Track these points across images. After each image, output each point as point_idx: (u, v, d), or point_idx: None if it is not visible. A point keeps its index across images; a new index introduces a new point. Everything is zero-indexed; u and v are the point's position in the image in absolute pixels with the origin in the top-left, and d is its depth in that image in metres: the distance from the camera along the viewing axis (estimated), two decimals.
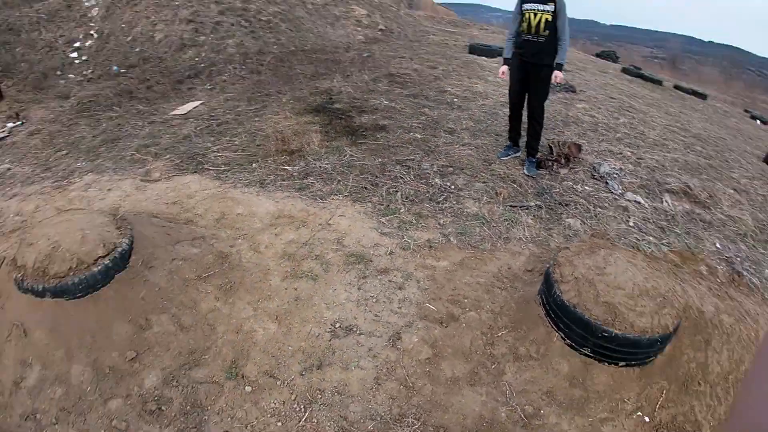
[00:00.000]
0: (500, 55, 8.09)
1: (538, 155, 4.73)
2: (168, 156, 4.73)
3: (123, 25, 7.96)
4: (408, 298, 2.77)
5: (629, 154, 5.43)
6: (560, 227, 3.78)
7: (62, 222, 2.68)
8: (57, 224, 2.66)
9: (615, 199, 4.44)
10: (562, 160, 4.86)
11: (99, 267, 2.44)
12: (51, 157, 4.95)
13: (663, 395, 2.35)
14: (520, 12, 4.21)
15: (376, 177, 4.20)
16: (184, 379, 2.27)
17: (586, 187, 4.53)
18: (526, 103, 4.50)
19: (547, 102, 4.52)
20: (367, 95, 6.36)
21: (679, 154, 5.81)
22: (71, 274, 2.37)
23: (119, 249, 2.57)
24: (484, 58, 9.51)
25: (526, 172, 4.60)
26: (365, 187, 4.01)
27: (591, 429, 2.16)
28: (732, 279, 3.53)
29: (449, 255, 3.17)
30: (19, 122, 5.79)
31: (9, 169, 4.76)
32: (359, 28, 10.24)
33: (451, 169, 4.47)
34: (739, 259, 3.82)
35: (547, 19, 4.09)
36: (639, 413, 2.28)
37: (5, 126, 5.66)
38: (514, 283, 2.92)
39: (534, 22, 4.13)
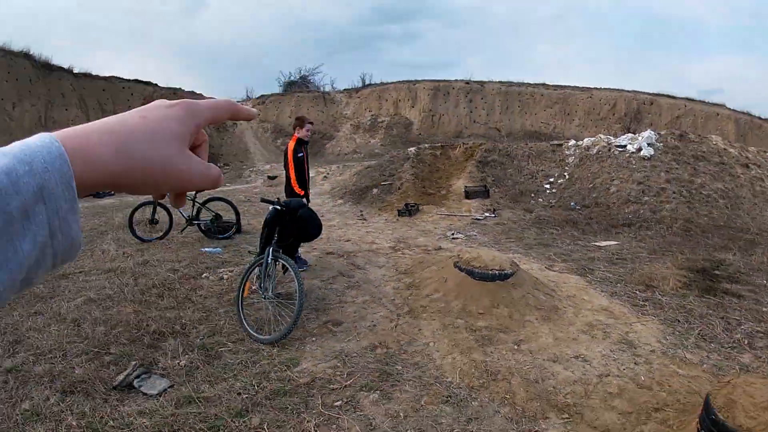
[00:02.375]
0: None
1: None
2: (569, 263, 7.30)
3: (589, 175, 11.17)
4: (635, 370, 4.32)
5: None
6: None
7: (492, 254, 5.62)
8: (488, 254, 5.61)
9: None
10: None
11: (492, 273, 5.21)
12: (501, 239, 8.38)
13: None
14: None
15: (692, 318, 5.51)
16: (497, 333, 4.71)
17: None
18: None
19: None
20: (753, 273, 7.20)
21: None
22: (479, 268, 5.23)
23: (507, 271, 5.29)
24: None
25: None
26: (677, 320, 5.43)
27: None
28: None
29: (689, 368, 4.42)
30: (493, 215, 9.64)
31: (476, 236, 8.38)
32: None
33: (761, 334, 5.11)
34: None
35: None
36: None
37: (485, 213, 9.58)
38: None
39: None
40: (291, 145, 6.55)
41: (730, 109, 27.94)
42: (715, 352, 4.77)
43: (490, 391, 3.95)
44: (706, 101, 28.97)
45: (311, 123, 6.85)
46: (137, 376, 3.64)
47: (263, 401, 3.52)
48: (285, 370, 4.02)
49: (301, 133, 6.60)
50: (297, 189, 6.52)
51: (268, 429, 3.19)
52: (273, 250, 4.84)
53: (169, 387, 3.61)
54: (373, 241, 8.94)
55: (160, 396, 3.49)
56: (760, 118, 28.09)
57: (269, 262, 4.82)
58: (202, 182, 0.53)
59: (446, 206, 11.51)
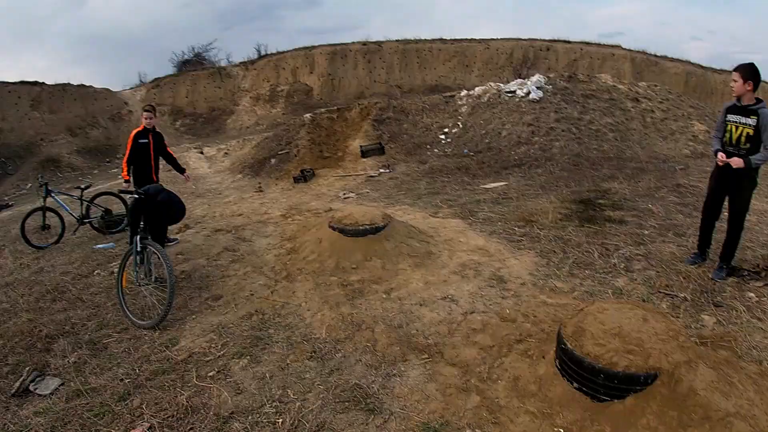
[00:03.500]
0: None
1: (736, 264, 5.00)
2: (454, 208, 7.41)
3: (481, 122, 11.42)
4: (501, 304, 4.44)
5: None
6: (688, 318, 4.28)
7: (363, 210, 5.57)
8: (359, 210, 5.55)
9: None
10: (763, 273, 4.92)
11: (363, 228, 5.17)
12: (393, 193, 8.40)
13: None
14: (724, 121, 4.61)
15: (569, 247, 5.73)
16: (369, 284, 4.70)
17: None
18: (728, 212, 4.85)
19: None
20: (638, 198, 7.62)
21: None
22: (350, 225, 5.18)
23: (379, 224, 5.26)
24: None
25: (712, 276, 4.91)
26: (553, 251, 5.64)
27: (519, 411, 3.08)
28: None
29: (559, 297, 4.61)
30: (387, 170, 9.64)
31: (368, 192, 8.34)
32: (691, 143, 11.05)
33: (639, 257, 5.43)
34: None
35: (748, 133, 4.40)
36: (562, 431, 2.86)
37: (379, 170, 9.57)
38: None
39: (735, 135, 4.49)
40: (134, 131, 6.62)
41: (625, 49, 29.27)
42: (589, 279, 4.98)
43: (354, 341, 3.96)
44: (602, 43, 30.28)
45: (148, 110, 6.71)
46: (32, 380, 3.78)
47: (144, 383, 3.60)
48: (164, 351, 4.06)
49: (144, 122, 6.62)
50: (124, 173, 6.55)
51: (146, 408, 3.29)
52: (141, 238, 4.84)
53: (60, 385, 3.74)
54: (266, 211, 8.73)
55: (52, 395, 3.60)
56: (655, 55, 29.67)
57: (139, 250, 4.84)
58: None
59: (342, 168, 11.45)
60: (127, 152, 6.48)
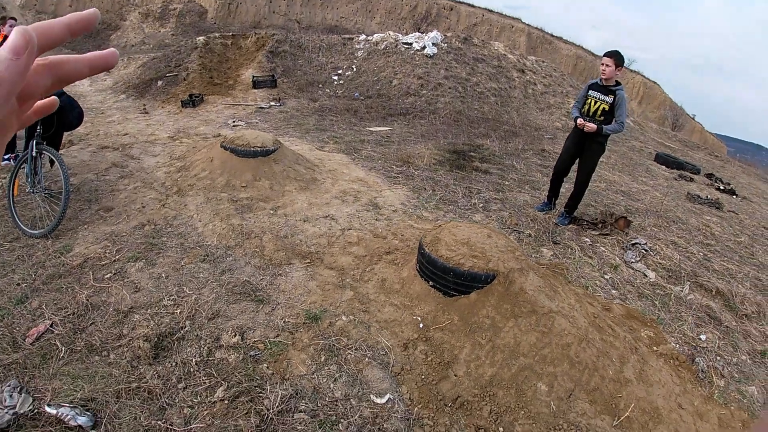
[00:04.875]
0: (683, 168, 9.64)
1: (578, 216, 6.03)
2: (340, 144, 7.97)
3: (375, 68, 11.96)
4: (375, 225, 5.17)
5: (692, 249, 6.11)
6: (530, 249, 5.31)
7: (255, 133, 5.93)
8: (251, 133, 5.92)
9: (617, 261, 5.25)
10: (599, 225, 5.98)
11: (254, 150, 5.57)
12: (281, 126, 8.81)
13: (447, 323, 3.44)
14: (585, 96, 5.33)
15: (438, 186, 6.58)
16: (257, 202, 5.19)
17: (600, 247, 5.57)
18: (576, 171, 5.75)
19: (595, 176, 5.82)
20: (506, 156, 8.69)
21: None
22: (242, 146, 5.55)
23: (269, 147, 5.69)
24: (664, 167, 10.86)
25: (556, 221, 5.91)
26: (424, 188, 6.46)
27: (385, 303, 3.87)
28: (676, 356, 3.83)
29: (424, 223, 5.43)
30: (278, 104, 9.96)
31: (257, 123, 8.69)
32: (564, 118, 12.46)
33: (496, 201, 6.42)
34: (720, 361, 3.96)
35: (604, 108, 5.17)
36: (419, 318, 3.55)
37: (270, 103, 9.85)
38: None
39: (593, 108, 5.25)
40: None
41: (524, 23, 30.99)
42: (451, 212, 5.82)
43: (244, 248, 4.45)
44: (504, 14, 31.70)
45: (13, 19, 6.34)
46: None
47: (41, 287, 3.73)
48: (59, 257, 4.18)
49: (5, 30, 6.28)
50: None
51: (46, 308, 3.44)
52: (36, 143, 4.74)
53: None
54: (153, 132, 8.69)
55: None
56: (551, 35, 31.71)
57: (33, 155, 4.75)
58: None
59: (232, 96, 11.46)
60: None
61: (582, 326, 3.47)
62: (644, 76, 36.45)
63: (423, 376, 3.18)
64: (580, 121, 5.40)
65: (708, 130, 38.16)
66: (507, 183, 7.23)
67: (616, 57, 5.19)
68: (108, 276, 3.90)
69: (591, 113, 5.33)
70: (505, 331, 3.36)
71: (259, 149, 5.72)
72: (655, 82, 36.80)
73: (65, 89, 5.45)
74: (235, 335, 3.31)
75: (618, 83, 5.28)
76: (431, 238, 3.91)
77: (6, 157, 5.88)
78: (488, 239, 3.90)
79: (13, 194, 4.75)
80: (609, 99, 5.18)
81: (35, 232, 4.52)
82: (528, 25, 31.10)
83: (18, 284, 3.77)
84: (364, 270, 4.25)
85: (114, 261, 4.13)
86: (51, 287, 3.74)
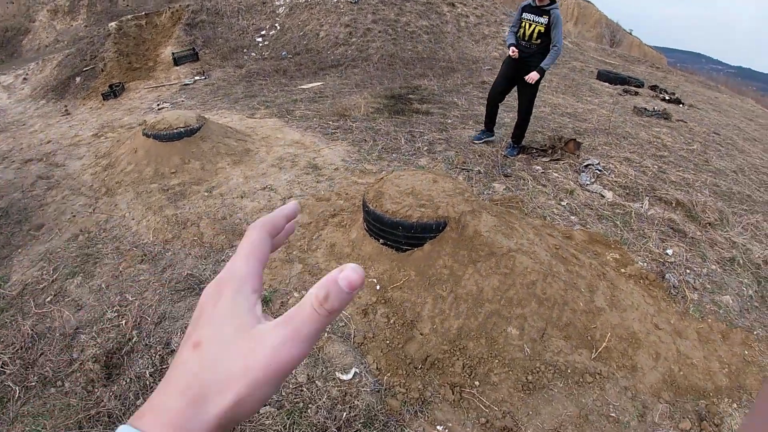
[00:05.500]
0: (627, 83, 9.56)
1: (526, 144, 5.93)
2: (272, 108, 7.59)
3: (299, 23, 11.41)
4: (317, 188, 4.93)
5: (646, 163, 6.08)
6: (481, 187, 5.13)
7: (177, 113, 5.56)
8: (172, 114, 5.54)
9: (571, 185, 5.17)
10: (549, 151, 5.89)
11: (178, 131, 5.22)
12: (209, 99, 8.33)
13: (404, 281, 3.25)
14: (519, 19, 5.17)
15: (379, 136, 6.32)
16: (190, 186, 4.90)
17: (553, 173, 5.46)
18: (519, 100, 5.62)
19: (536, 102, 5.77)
20: (446, 93, 8.43)
21: (730, 181, 6.13)
22: (164, 130, 5.20)
23: (193, 126, 5.34)
24: (607, 84, 10.79)
25: (505, 153, 5.78)
26: (365, 140, 6.19)
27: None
28: (645, 276, 3.77)
29: (369, 177, 5.22)
30: (203, 77, 9.43)
31: (183, 101, 8.20)
32: (500, 47, 12.18)
33: (441, 141, 6.23)
34: (690, 274, 3.95)
35: (540, 30, 5.04)
36: (375, 280, 3.32)
37: (194, 78, 9.32)
38: None
39: (528, 31, 5.10)
40: None
41: None
42: (396, 161, 5.58)
43: (182, 239, 4.18)
44: None
45: None
46: None
47: None
48: None
49: None
50: None
51: None
52: None
53: None
54: (76, 134, 8.14)
55: None
56: None
57: None
58: (291, 347, 0.40)
59: (154, 78, 10.79)
60: None
61: (545, 261, 3.36)
62: None
63: (387, 342, 3.05)
64: (512, 51, 5.25)
65: (646, 43, 38.38)
66: (450, 121, 7.04)
67: None
68: (48, 299, 3.66)
69: (527, 36, 5.17)
70: (466, 278, 3.23)
71: (183, 129, 5.34)
72: (588, 1, 36.51)
73: None
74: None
75: (553, 1, 5.08)
76: (374, 194, 3.68)
77: None
78: (434, 185, 3.72)
79: None
80: (544, 20, 5.00)
81: None
82: None
83: None
84: (311, 238, 4.04)
85: (52, 281, 3.85)
86: None
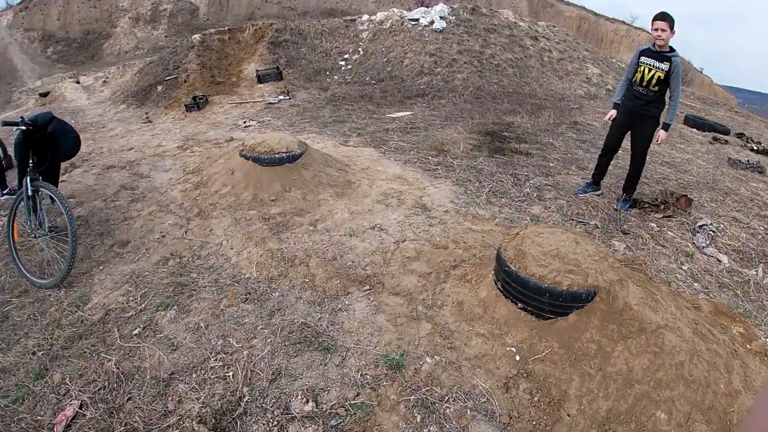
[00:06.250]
0: (715, 129, 8.82)
1: (637, 197, 5.47)
2: (364, 136, 7.22)
3: (383, 49, 11.14)
4: (430, 232, 4.46)
5: (753, 225, 5.58)
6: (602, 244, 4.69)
7: (277, 137, 5.20)
8: (273, 137, 5.19)
9: (690, 248, 4.79)
10: (661, 207, 5.44)
11: (279, 156, 4.85)
12: (296, 121, 8.06)
13: (546, 352, 2.89)
14: (637, 63, 4.89)
15: (483, 176, 5.85)
16: (292, 217, 4.49)
17: (668, 232, 5.03)
18: (633, 152, 5.23)
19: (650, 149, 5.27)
20: (540, 133, 7.92)
21: None
22: (265, 154, 4.83)
23: (296, 151, 4.97)
24: (695, 130, 10.06)
25: (617, 206, 5.34)
26: (469, 179, 5.73)
27: (470, 334, 3.15)
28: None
29: (483, 224, 4.71)
30: (287, 97, 9.20)
31: (270, 120, 7.93)
32: (585, 85, 11.60)
33: (549, 187, 5.75)
34: None
35: (659, 77, 4.74)
36: (514, 349, 2.94)
37: (279, 97, 9.10)
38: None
39: (647, 77, 4.79)
40: None
41: None
42: (506, 207, 5.12)
43: (289, 278, 3.75)
44: None
45: None
46: None
47: (60, 353, 3.07)
48: (75, 312, 3.47)
49: None
50: None
51: (71, 382, 2.79)
52: (31, 179, 3.95)
53: None
54: (160, 143, 7.97)
55: None
56: None
57: (30, 194, 3.95)
58: None
59: (238, 94, 10.68)
60: None
61: (689, 338, 2.98)
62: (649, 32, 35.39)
63: (534, 422, 2.61)
64: (609, 116, 5.25)
65: (716, 83, 37.07)
66: (552, 165, 6.52)
67: (671, 21, 4.67)
68: (136, 332, 3.21)
69: (645, 82, 4.83)
70: (615, 356, 2.84)
71: (284, 155, 5.00)
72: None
73: (55, 114, 4.60)
74: (307, 401, 2.64)
75: (672, 49, 4.75)
76: (514, 252, 3.23)
77: (4, 192, 5.14)
78: (577, 246, 3.24)
79: (13, 239, 4.03)
80: (665, 66, 4.70)
81: (44, 281, 3.78)
82: None
83: (34, 352, 3.07)
84: (434, 292, 3.56)
85: (141, 311, 3.42)
86: (72, 352, 3.05)
